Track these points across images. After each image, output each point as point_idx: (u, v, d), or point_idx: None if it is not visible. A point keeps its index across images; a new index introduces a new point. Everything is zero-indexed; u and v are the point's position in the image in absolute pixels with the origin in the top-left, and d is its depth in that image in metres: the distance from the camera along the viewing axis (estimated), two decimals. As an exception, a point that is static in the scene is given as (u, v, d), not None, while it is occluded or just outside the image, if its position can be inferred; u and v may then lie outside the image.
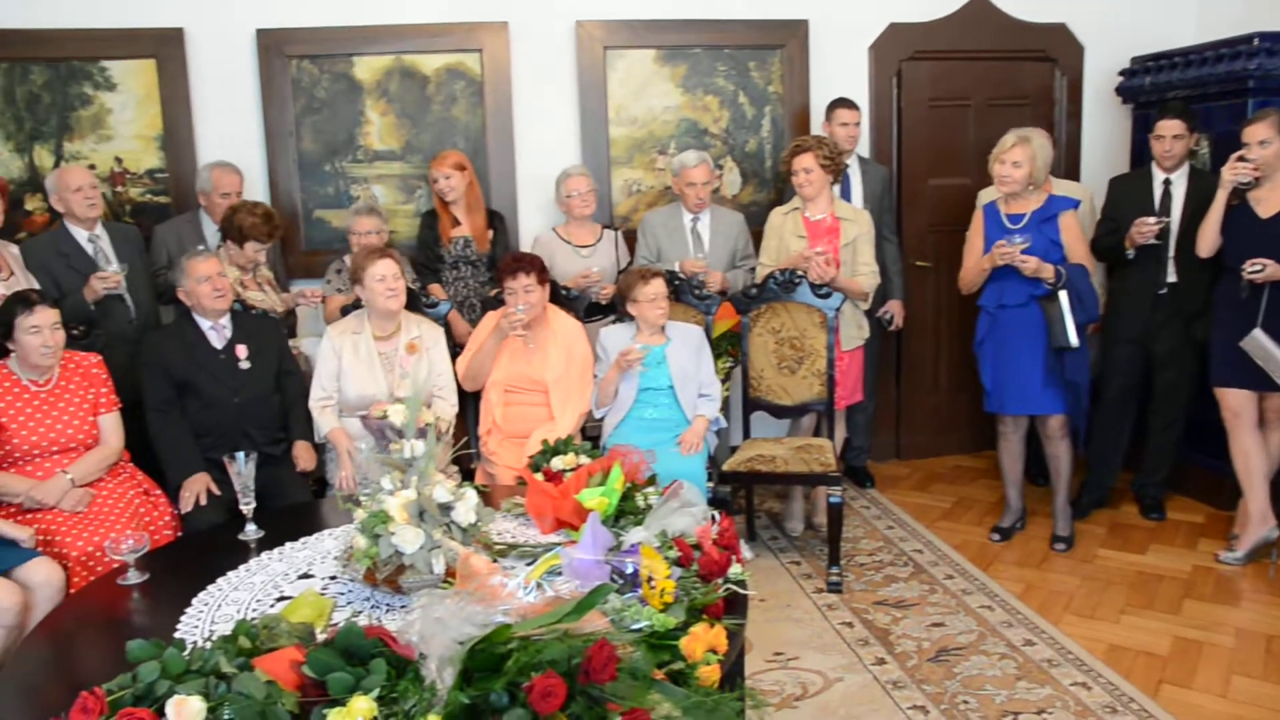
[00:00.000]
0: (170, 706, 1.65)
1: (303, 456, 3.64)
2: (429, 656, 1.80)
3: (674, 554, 2.36)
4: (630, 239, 4.70)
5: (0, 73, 4.55)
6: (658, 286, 3.87)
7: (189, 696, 1.67)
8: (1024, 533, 4.41)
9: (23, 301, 3.20)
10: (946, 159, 5.21)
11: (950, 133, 5.19)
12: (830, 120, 4.65)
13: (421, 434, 2.41)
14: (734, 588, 2.33)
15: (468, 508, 2.41)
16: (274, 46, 4.67)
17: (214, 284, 3.48)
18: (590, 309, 4.26)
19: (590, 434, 4.01)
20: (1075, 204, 4.11)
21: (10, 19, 4.50)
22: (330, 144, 4.78)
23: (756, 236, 4.53)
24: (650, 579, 2.21)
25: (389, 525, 2.30)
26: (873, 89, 5.14)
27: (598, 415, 3.93)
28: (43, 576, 2.89)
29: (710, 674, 2.01)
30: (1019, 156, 3.98)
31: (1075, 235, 4.03)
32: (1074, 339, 3.91)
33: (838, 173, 4.20)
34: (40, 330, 3.17)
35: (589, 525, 2.27)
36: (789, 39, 5.00)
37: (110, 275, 3.78)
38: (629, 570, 2.16)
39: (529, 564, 2.55)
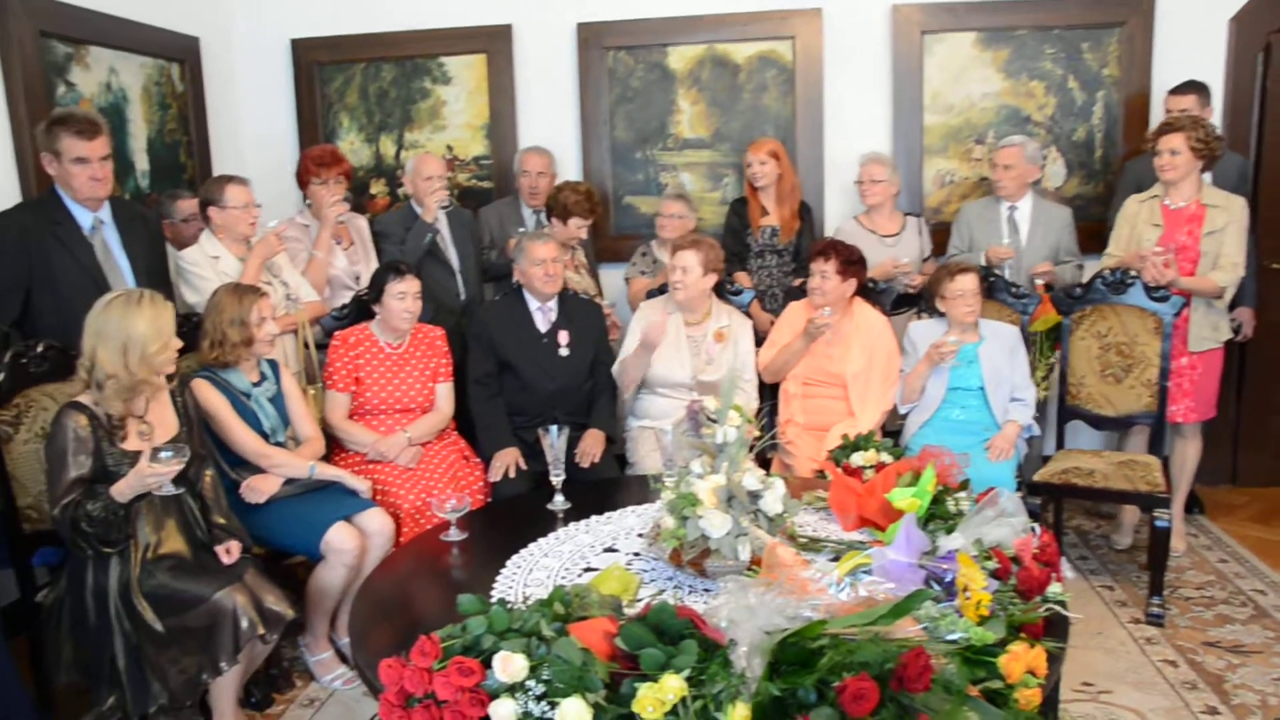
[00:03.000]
0: (497, 661, 1.74)
1: (589, 448, 3.61)
2: (739, 643, 1.78)
3: (992, 565, 2.21)
4: (937, 231, 4.48)
5: (358, 72, 5.06)
6: (966, 282, 3.66)
7: (515, 654, 1.74)
8: (1399, 587, 3.78)
9: (394, 269, 3.54)
10: (1320, 147, 4.55)
11: (1327, 117, 4.52)
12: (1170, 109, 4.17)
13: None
14: (1056, 607, 2.15)
15: (776, 497, 2.38)
16: (593, 39, 4.85)
17: (547, 269, 3.64)
18: (897, 301, 4.10)
19: (889, 431, 3.86)
20: None
21: (367, 25, 4.99)
22: (642, 132, 4.92)
23: (1084, 233, 4.19)
24: (966, 589, 2.08)
25: (697, 508, 2.31)
26: (1230, 68, 4.57)
27: (902, 412, 3.78)
28: (377, 525, 3.17)
29: (1031, 697, 1.86)
30: None
31: None
32: None
33: (1211, 159, 3.77)
34: (405, 296, 3.50)
35: (904, 527, 2.16)
36: (1130, 16, 4.56)
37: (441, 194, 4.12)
38: (947, 578, 2.04)
39: (831, 559, 2.50)
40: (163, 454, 2.55)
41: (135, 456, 2.62)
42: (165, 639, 2.60)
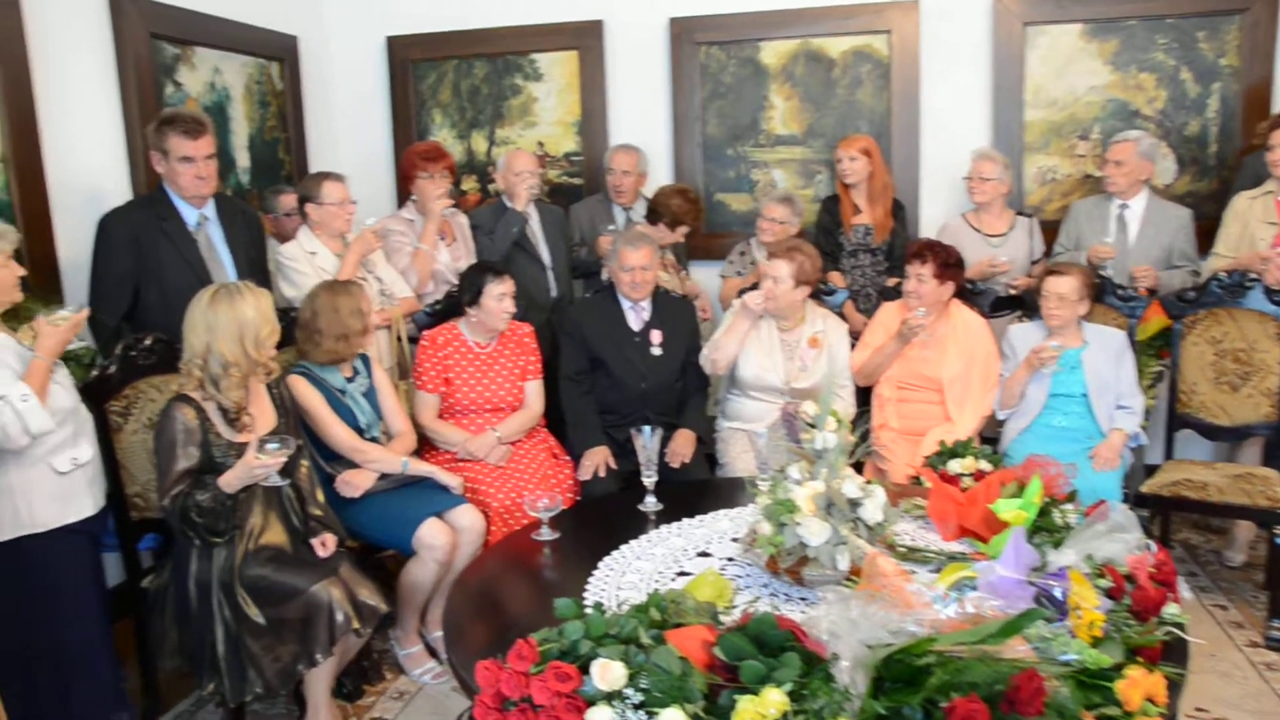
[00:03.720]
0: (596, 668, 1.71)
1: (680, 448, 3.58)
2: (841, 657, 1.73)
3: (1105, 583, 2.11)
4: (1048, 230, 4.33)
5: (450, 69, 5.10)
6: (1056, 284, 3.52)
7: (613, 661, 1.72)
8: None
9: (492, 270, 3.55)
10: None
11: None
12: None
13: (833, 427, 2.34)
14: (1174, 630, 2.04)
15: (876, 505, 2.31)
16: (685, 34, 4.81)
17: (634, 276, 3.61)
18: (997, 304, 3.97)
19: (985, 437, 3.74)
20: None
21: (460, 22, 5.03)
22: (733, 128, 4.86)
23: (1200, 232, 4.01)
24: (1078, 608, 1.99)
25: (795, 515, 2.25)
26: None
27: (1000, 417, 3.66)
28: (468, 521, 3.19)
29: (1152, 728, 1.77)
30: None
31: None
32: None
33: None
34: (504, 298, 3.51)
35: (1012, 541, 2.07)
36: (1254, 1, 4.32)
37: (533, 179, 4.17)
38: (1059, 596, 1.95)
39: (931, 570, 2.42)
40: (269, 445, 2.60)
41: (241, 448, 2.68)
42: (263, 629, 2.65)
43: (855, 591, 2.05)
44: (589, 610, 1.91)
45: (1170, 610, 2.10)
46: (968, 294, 3.88)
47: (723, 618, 2.06)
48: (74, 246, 3.36)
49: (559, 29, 4.96)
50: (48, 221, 3.33)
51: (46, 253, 3.32)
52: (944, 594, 1.98)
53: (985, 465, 3.25)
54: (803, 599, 2.31)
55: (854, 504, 2.30)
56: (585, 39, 4.93)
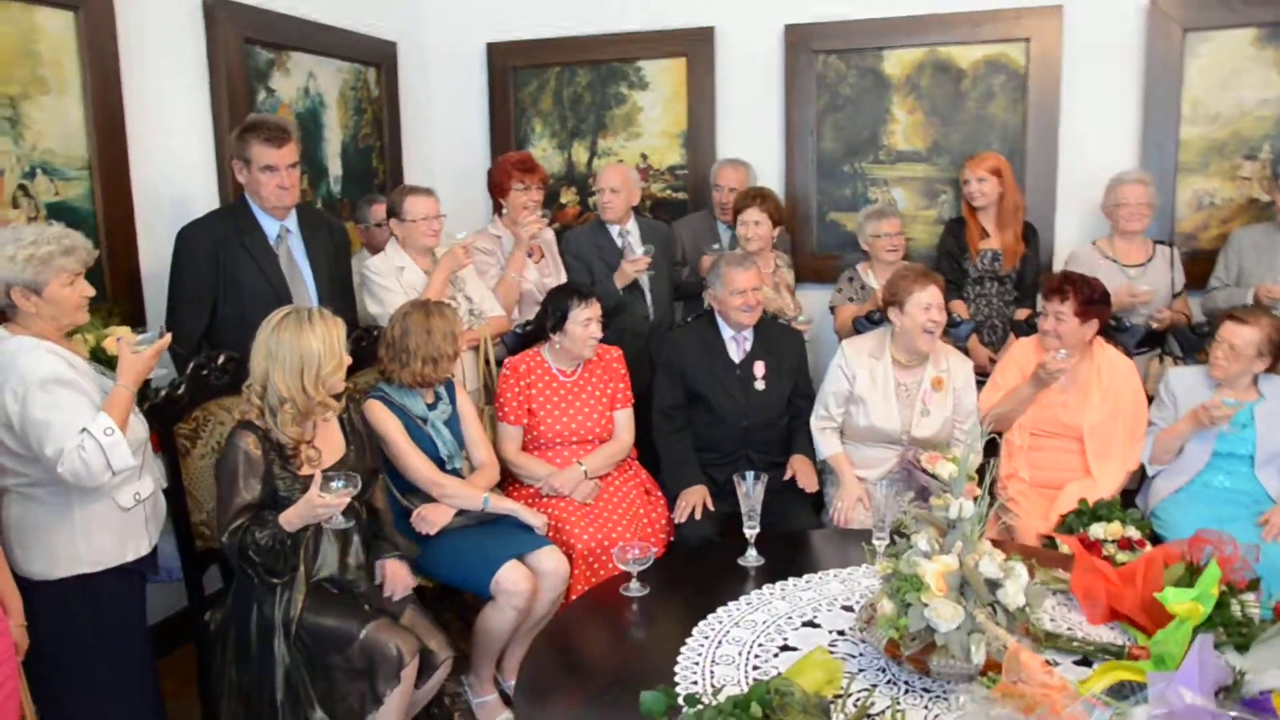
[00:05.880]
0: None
1: (800, 470, 3.30)
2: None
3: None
4: (1195, 261, 3.88)
5: (552, 77, 4.90)
6: (1237, 334, 3.06)
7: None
8: None
9: (578, 293, 3.29)
10: None
11: None
12: None
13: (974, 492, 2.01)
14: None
15: (1017, 587, 1.96)
16: (801, 42, 4.50)
17: (746, 299, 3.32)
18: (1142, 340, 3.55)
19: (1124, 490, 3.30)
20: None
21: (564, 28, 4.82)
22: (851, 143, 4.52)
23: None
24: (1281, 738, 1.62)
25: (922, 594, 1.93)
26: None
27: (1150, 474, 3.24)
28: (551, 565, 2.93)
29: None
30: None
31: None
32: None
33: None
34: (591, 322, 3.25)
35: (1196, 651, 1.70)
36: None
37: (639, 259, 3.82)
38: (1264, 729, 1.58)
39: (1075, 661, 2.08)
40: (335, 484, 2.39)
41: (306, 482, 2.47)
42: (323, 672, 2.46)
43: (995, 694, 1.73)
44: (681, 704, 1.64)
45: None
46: (1109, 331, 3.46)
47: (836, 714, 1.76)
48: (158, 259, 3.24)
49: (667, 36, 4.70)
50: (131, 231, 3.23)
51: (129, 264, 3.21)
52: (1108, 713, 1.61)
53: (1133, 532, 2.88)
54: (926, 690, 1.99)
55: (992, 585, 1.96)
56: (695, 46, 4.67)
